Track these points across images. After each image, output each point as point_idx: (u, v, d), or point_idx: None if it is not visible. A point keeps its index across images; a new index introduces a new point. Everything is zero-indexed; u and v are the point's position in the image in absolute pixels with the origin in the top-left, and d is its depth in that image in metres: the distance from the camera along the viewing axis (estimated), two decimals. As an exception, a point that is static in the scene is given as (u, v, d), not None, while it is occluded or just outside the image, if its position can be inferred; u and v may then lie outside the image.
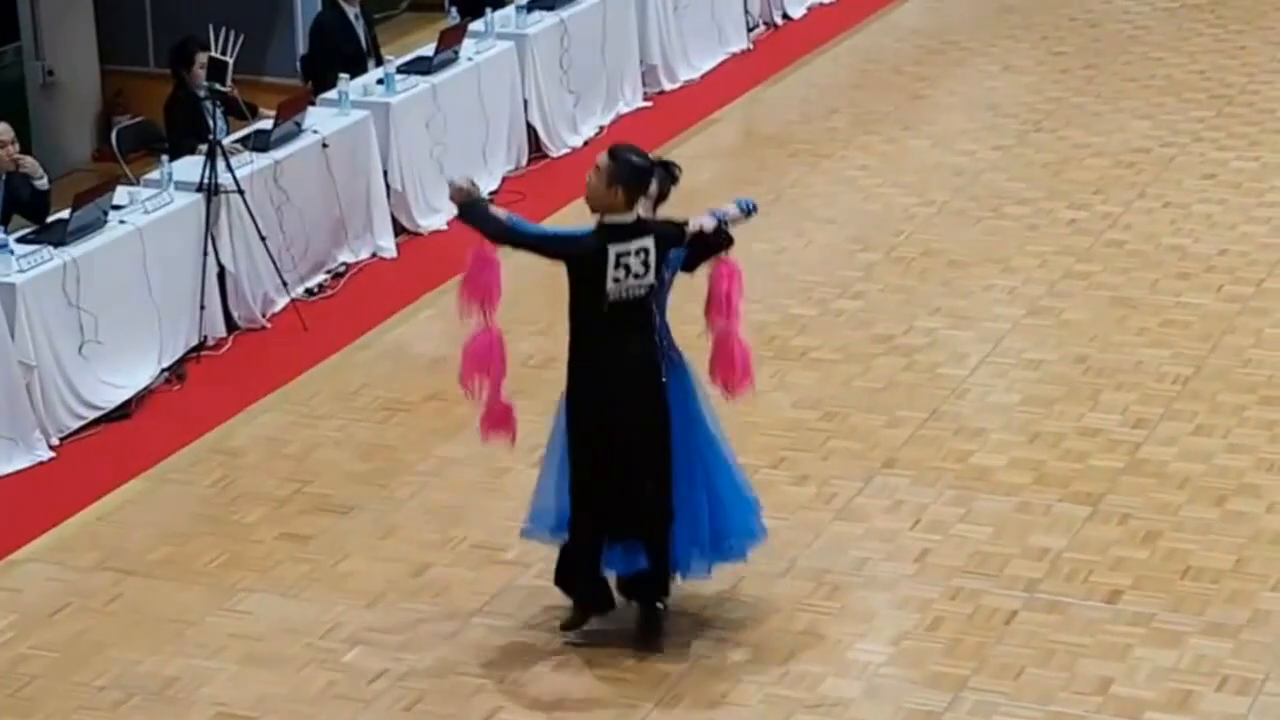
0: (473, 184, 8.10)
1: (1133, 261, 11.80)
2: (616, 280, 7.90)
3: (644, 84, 14.94)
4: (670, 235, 8.07)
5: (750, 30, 16.06)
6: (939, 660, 8.08)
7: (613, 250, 7.88)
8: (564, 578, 8.31)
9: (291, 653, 8.25)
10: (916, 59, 15.80)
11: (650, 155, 8.11)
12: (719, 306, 8.29)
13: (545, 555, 8.61)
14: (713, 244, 8.22)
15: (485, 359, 8.18)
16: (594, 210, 8.03)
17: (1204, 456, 9.59)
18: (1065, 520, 9.09)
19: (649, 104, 14.84)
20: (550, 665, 8.11)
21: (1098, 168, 13.26)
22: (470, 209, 8.06)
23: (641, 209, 8.00)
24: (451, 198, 8.14)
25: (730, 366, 8.36)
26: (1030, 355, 10.72)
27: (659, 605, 8.24)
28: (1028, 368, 10.59)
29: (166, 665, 8.19)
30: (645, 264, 7.94)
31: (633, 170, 7.95)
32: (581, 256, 7.94)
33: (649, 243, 7.93)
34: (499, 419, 8.29)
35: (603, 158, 7.98)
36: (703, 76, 15.39)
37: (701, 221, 8.16)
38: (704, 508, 8.16)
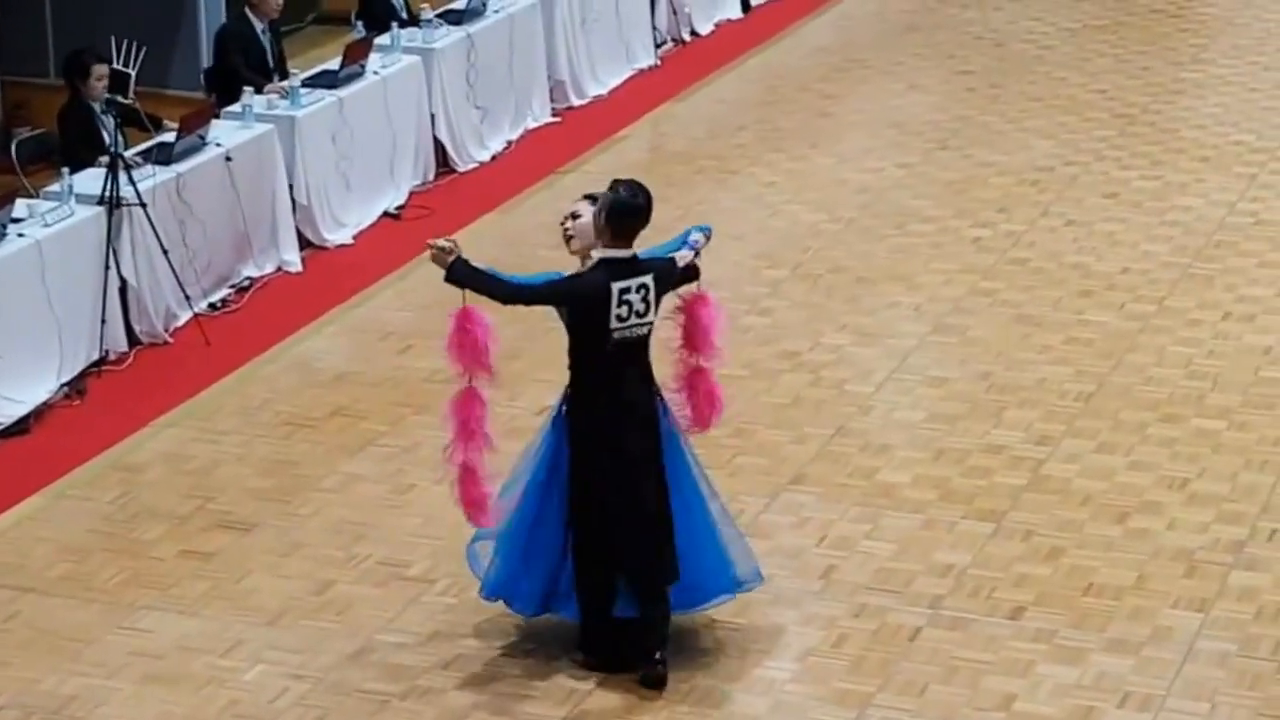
0: (453, 243, 7.86)
1: (1036, 279, 11.87)
2: (620, 319, 7.77)
3: (552, 100, 14.91)
4: (666, 272, 7.95)
5: (658, 47, 16.07)
6: (844, 678, 8.09)
7: (615, 287, 7.76)
8: (589, 643, 8.15)
9: (192, 671, 8.17)
10: (823, 77, 15.85)
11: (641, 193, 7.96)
12: (700, 342, 8.13)
13: (451, 573, 8.58)
14: (683, 277, 8.10)
15: (465, 418, 7.93)
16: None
17: (1106, 474, 9.64)
18: (969, 537, 9.12)
19: (557, 120, 14.82)
20: (453, 682, 8.07)
21: (1002, 186, 13.34)
22: (460, 272, 7.80)
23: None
24: (433, 260, 7.86)
25: (711, 404, 8.21)
26: (935, 372, 10.76)
27: (658, 657, 8.02)
28: (932, 385, 10.62)
29: (65, 684, 8.10)
30: (646, 302, 7.83)
31: (626, 206, 7.84)
32: (586, 295, 7.79)
33: (649, 280, 7.82)
34: (476, 503, 7.98)
35: (600, 198, 7.88)
36: (611, 93, 15.38)
37: (683, 254, 8.07)
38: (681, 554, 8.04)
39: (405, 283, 11.97)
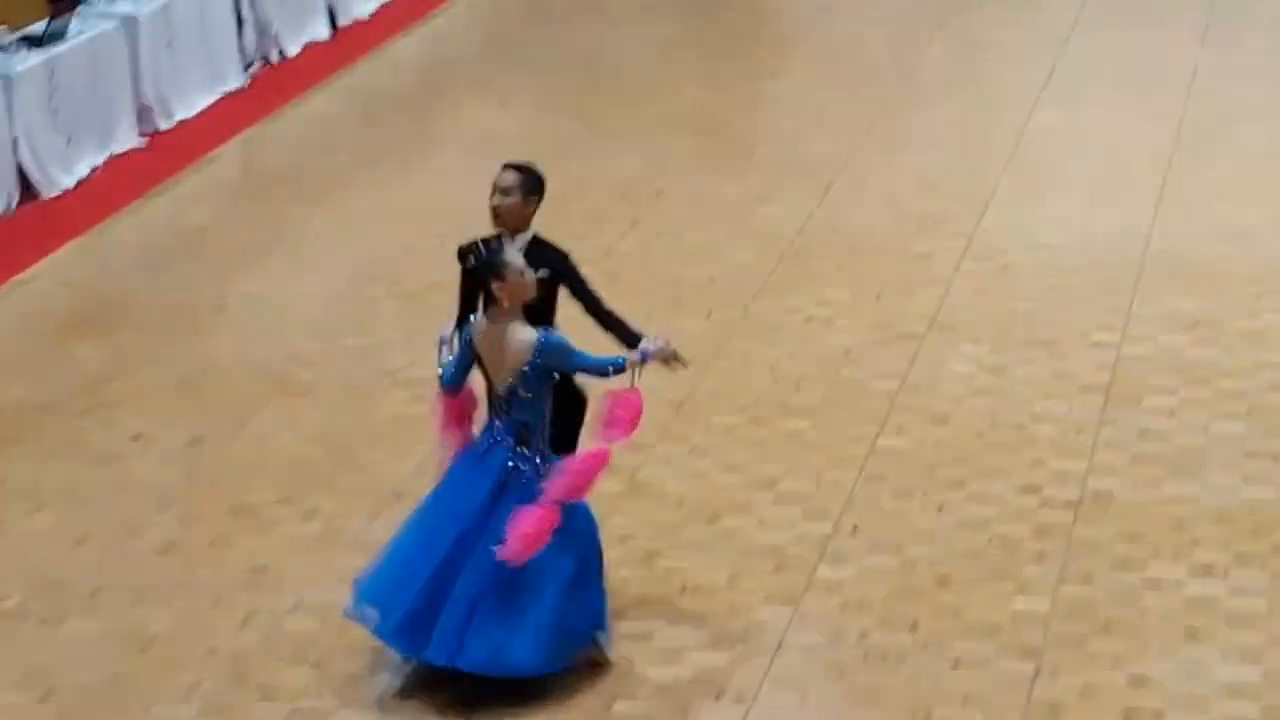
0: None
1: (628, 291, 12.08)
2: None
3: (139, 123, 14.76)
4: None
5: (247, 68, 16.00)
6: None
7: None
8: None
9: None
10: (414, 95, 15.97)
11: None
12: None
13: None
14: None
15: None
16: (509, 228, 8.29)
17: (698, 477, 9.93)
18: (569, 544, 9.30)
19: (145, 143, 14.67)
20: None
21: (591, 200, 13.60)
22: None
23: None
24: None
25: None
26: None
27: None
28: (529, 397, 10.78)
29: None
30: None
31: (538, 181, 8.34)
32: None
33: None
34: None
35: (509, 174, 8.28)
36: (199, 115, 15.28)
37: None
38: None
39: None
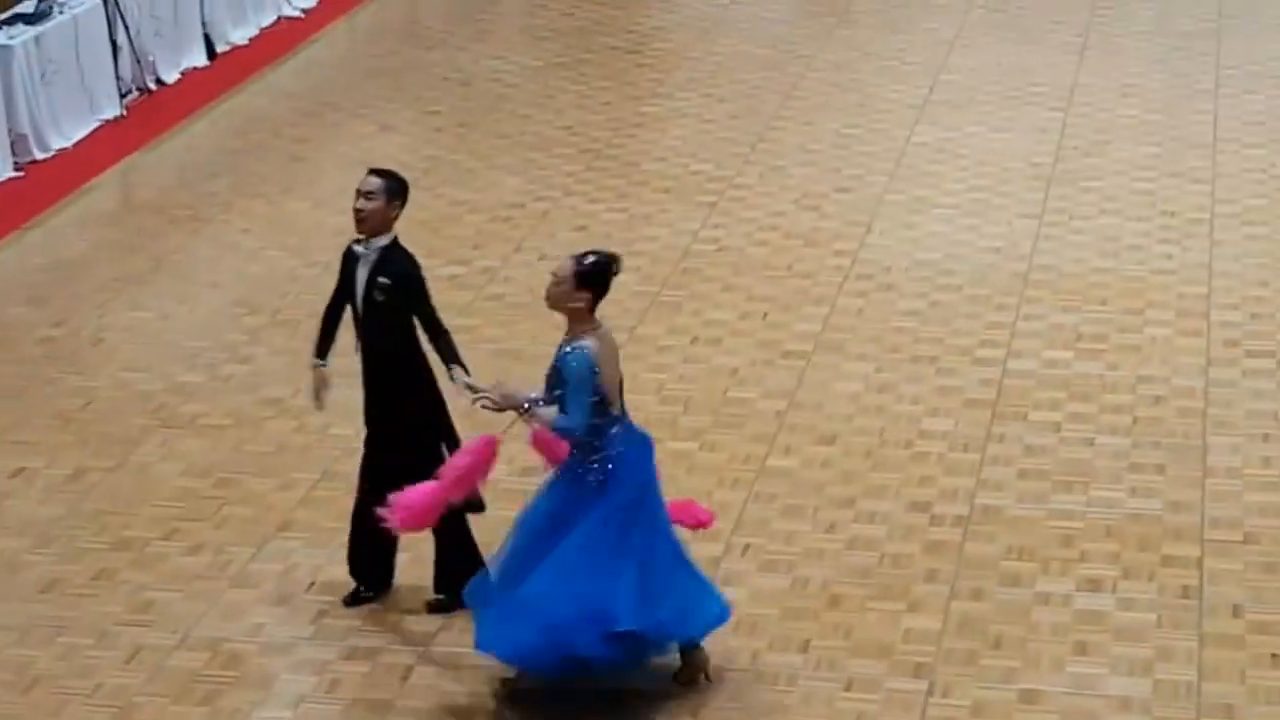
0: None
1: (514, 314, 12.10)
2: None
3: (14, 153, 14.57)
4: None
5: (123, 96, 15.83)
6: (340, 720, 8.15)
7: None
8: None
9: None
10: (294, 121, 15.86)
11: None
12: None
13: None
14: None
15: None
16: (371, 231, 8.62)
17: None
18: (458, 572, 9.24)
19: (20, 174, 14.48)
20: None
21: (475, 224, 13.55)
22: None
23: None
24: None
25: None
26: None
27: None
28: (415, 424, 10.72)
29: None
30: None
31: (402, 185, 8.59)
32: None
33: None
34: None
35: (372, 179, 8.50)
36: (76, 145, 15.10)
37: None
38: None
39: None
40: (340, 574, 9.18)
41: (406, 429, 8.68)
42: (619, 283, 12.44)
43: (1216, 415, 10.66)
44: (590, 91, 16.42)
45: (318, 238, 13.30)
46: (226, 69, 16.93)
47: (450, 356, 8.70)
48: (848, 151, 14.84)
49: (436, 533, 8.72)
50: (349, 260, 8.83)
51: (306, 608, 8.97)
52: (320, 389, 8.94)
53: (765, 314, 12.04)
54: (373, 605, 8.97)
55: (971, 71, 16.62)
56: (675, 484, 9.99)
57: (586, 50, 17.56)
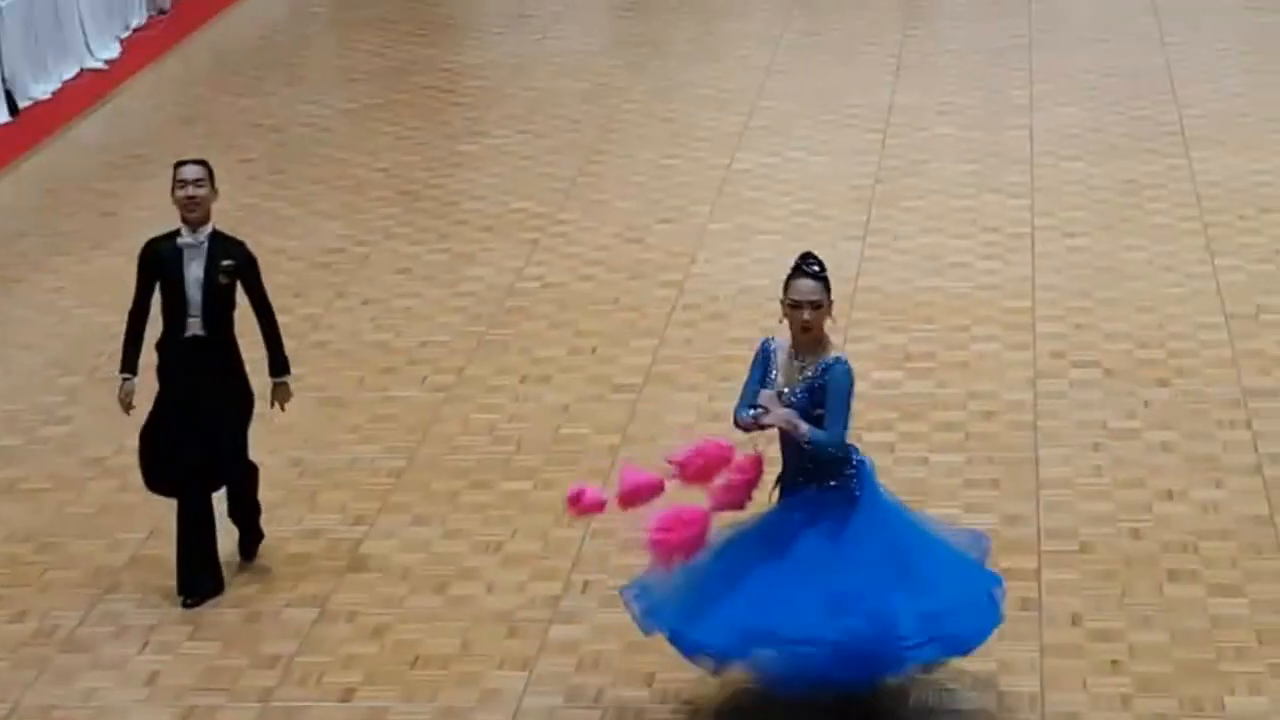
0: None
1: (338, 361, 11.92)
2: None
3: None
4: None
5: (-75, 157, 15.49)
6: (178, 784, 7.93)
7: None
8: None
9: None
10: (103, 175, 15.57)
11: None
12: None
13: None
14: None
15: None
16: (200, 220, 8.89)
17: (423, 546, 9.74)
18: (294, 624, 9.06)
19: None
20: None
21: (295, 271, 13.34)
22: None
23: None
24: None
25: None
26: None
27: None
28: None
29: None
30: None
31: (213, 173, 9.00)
32: None
33: None
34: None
35: (193, 168, 8.88)
36: (-122, 208, 14.75)
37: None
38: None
39: None
40: (175, 636, 8.96)
41: (235, 408, 9.19)
42: (443, 324, 12.44)
43: (1046, 427, 10.70)
44: (406, 132, 16.27)
45: (130, 292, 12.99)
46: (29, 125, 16.57)
47: (276, 344, 9.30)
48: (669, 182, 14.80)
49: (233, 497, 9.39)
50: (169, 257, 9.08)
51: (140, 669, 8.73)
52: (128, 403, 9.34)
53: (594, 349, 11.95)
54: (209, 662, 8.75)
55: (788, 97, 16.66)
56: (510, 525, 9.89)
57: (399, 90, 17.42)
